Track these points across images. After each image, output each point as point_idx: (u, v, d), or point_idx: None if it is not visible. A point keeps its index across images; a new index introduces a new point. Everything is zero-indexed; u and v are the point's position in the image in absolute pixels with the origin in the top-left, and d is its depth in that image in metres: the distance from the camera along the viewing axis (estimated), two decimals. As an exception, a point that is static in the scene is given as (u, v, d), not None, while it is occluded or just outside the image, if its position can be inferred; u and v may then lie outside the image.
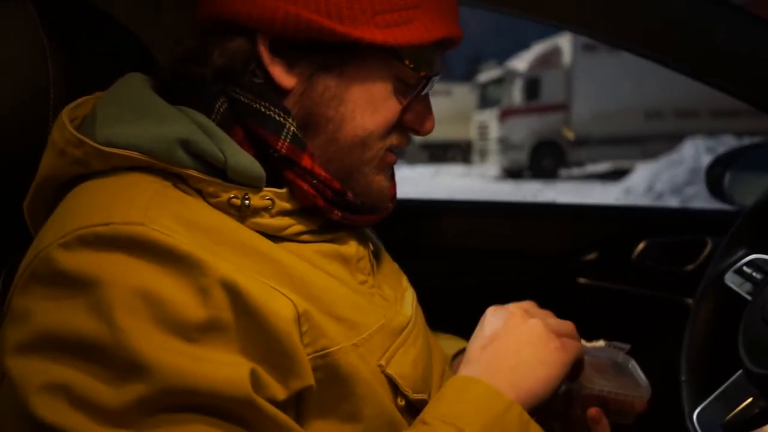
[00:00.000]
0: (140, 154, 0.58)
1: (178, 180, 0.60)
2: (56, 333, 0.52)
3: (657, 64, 1.13)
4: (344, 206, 0.67)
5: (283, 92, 0.64)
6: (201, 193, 0.60)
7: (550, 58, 14.04)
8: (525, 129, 13.71)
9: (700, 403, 0.78)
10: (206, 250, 0.55)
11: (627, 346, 0.79)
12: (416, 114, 0.70)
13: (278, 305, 0.57)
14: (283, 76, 0.64)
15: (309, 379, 0.58)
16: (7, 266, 0.67)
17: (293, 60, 0.64)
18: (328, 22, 0.61)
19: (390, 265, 0.81)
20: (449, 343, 0.91)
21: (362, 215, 0.69)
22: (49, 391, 0.50)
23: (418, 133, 0.71)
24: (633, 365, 0.80)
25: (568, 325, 0.72)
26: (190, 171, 0.59)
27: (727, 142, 7.81)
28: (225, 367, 0.53)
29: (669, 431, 0.84)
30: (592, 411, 0.75)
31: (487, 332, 0.70)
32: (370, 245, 0.76)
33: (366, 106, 0.66)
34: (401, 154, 0.75)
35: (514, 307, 0.72)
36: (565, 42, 13.44)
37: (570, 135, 13.18)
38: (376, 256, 0.78)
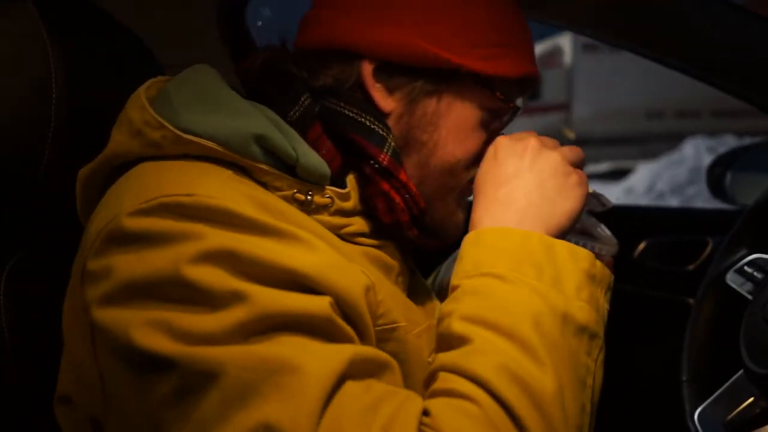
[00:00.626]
0: (217, 145, 0.59)
1: (244, 172, 0.61)
2: (142, 281, 0.52)
3: (658, 63, 1.13)
4: (420, 227, 0.70)
5: (381, 112, 0.68)
6: (266, 186, 0.61)
7: (550, 58, 14.04)
8: (525, 129, 13.68)
9: (701, 403, 0.78)
10: (281, 222, 0.56)
11: (611, 203, 0.77)
12: None
13: (353, 270, 0.58)
14: (383, 100, 0.69)
15: (372, 344, 0.58)
16: (8, 266, 0.67)
17: (394, 84, 0.69)
18: (433, 48, 0.66)
19: (422, 286, 0.82)
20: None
21: (431, 240, 0.72)
22: (147, 326, 0.51)
23: None
24: (602, 227, 0.79)
25: (579, 154, 0.70)
26: (262, 165, 0.60)
27: (728, 142, 7.80)
28: (308, 297, 0.53)
29: (670, 431, 0.84)
30: None
31: (504, 168, 0.66)
32: (410, 263, 0.77)
33: (457, 134, 0.70)
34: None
35: (527, 138, 0.68)
36: (565, 42, 13.43)
37: (571, 135, 13.18)
38: (413, 274, 0.79)
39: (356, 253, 0.65)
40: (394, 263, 0.71)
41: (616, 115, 12.72)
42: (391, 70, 0.68)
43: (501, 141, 0.69)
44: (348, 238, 0.66)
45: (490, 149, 0.70)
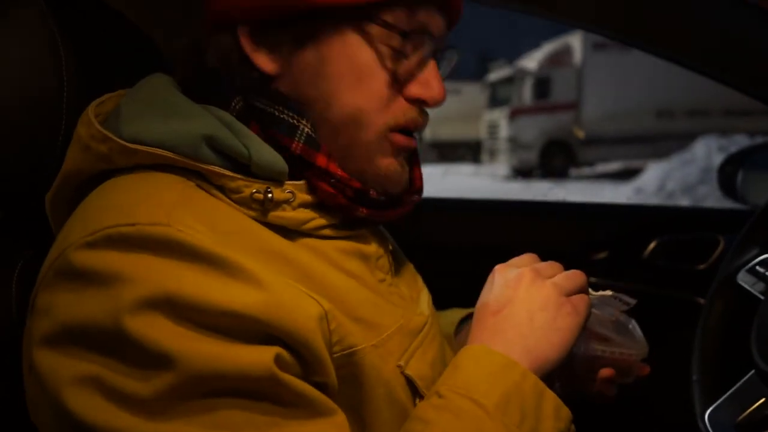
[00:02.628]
0: (165, 151, 0.58)
1: (200, 178, 0.60)
2: (80, 326, 0.52)
3: (669, 62, 1.12)
4: (369, 203, 0.66)
5: (271, 79, 0.64)
6: (223, 190, 0.60)
7: (560, 57, 13.98)
8: (535, 128, 13.66)
9: (712, 403, 0.77)
10: (231, 249, 0.55)
11: (633, 301, 0.77)
12: (420, 83, 0.66)
13: (304, 303, 0.57)
14: (266, 63, 0.63)
15: (331, 377, 0.58)
16: (19, 265, 0.67)
17: (272, 43, 0.63)
18: None
19: (406, 265, 0.81)
20: (454, 314, 0.92)
21: (387, 210, 0.69)
22: (80, 384, 0.51)
23: (426, 104, 0.66)
24: (633, 325, 0.79)
25: (577, 280, 0.69)
26: (214, 167, 0.59)
27: (740, 141, 7.75)
28: (250, 352, 0.53)
29: (681, 431, 0.84)
30: (605, 372, 0.76)
31: (498, 297, 0.66)
32: (389, 244, 0.76)
33: (349, 79, 0.63)
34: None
35: (523, 268, 0.68)
36: (575, 41, 13.38)
37: (580, 134, 13.12)
38: (394, 255, 0.78)
39: (329, 249, 0.64)
40: (370, 249, 0.69)
41: (626, 114, 12.66)
42: (264, 29, 0.63)
43: (498, 269, 0.69)
44: (315, 233, 0.64)
45: (490, 276, 0.69)
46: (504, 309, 0.66)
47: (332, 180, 0.64)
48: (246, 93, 0.64)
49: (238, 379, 0.52)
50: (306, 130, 0.63)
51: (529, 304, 0.65)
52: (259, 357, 0.53)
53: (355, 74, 0.63)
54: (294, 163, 0.64)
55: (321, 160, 0.63)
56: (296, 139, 0.63)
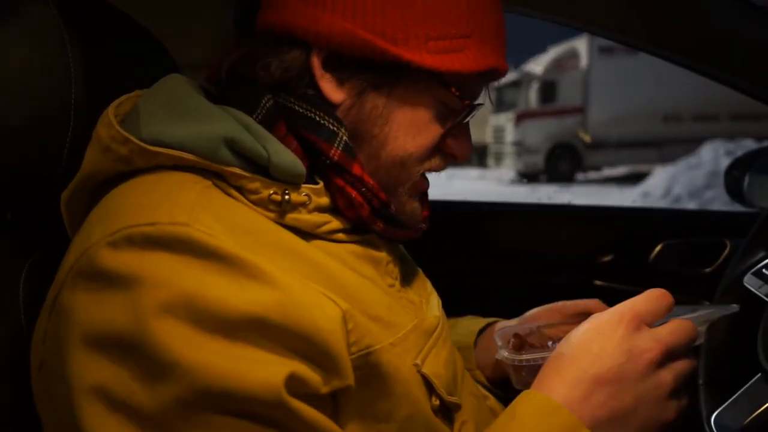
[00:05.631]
0: (185, 153, 0.59)
1: (219, 178, 0.61)
2: (98, 331, 0.53)
3: (676, 65, 1.12)
4: (387, 219, 0.69)
5: (332, 105, 0.66)
6: (241, 191, 0.61)
7: (566, 61, 13.97)
8: (541, 132, 13.65)
9: (718, 407, 0.77)
10: (249, 250, 0.55)
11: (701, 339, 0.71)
12: (456, 140, 0.71)
13: (323, 305, 0.58)
14: (332, 91, 0.66)
15: (349, 379, 0.58)
16: (28, 264, 0.67)
17: (344, 76, 0.66)
18: (381, 43, 0.64)
19: (415, 270, 0.82)
20: (471, 323, 0.92)
21: (400, 230, 0.71)
22: (91, 393, 0.52)
23: (455, 158, 0.72)
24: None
25: (689, 368, 0.64)
26: (233, 169, 0.60)
27: (747, 146, 7.72)
28: (261, 368, 0.53)
29: (686, 435, 0.84)
30: None
31: (606, 364, 0.60)
32: (398, 251, 0.77)
33: (410, 128, 0.68)
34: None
35: (653, 343, 0.61)
36: (581, 45, 13.37)
37: (586, 138, 13.11)
38: (403, 260, 0.78)
39: (341, 252, 0.65)
40: (381, 255, 0.70)
41: (632, 118, 12.63)
42: (340, 61, 0.65)
43: (609, 319, 0.62)
44: (329, 237, 0.65)
45: (606, 322, 0.62)
46: (608, 385, 0.60)
47: (363, 189, 0.66)
48: (277, 92, 0.65)
49: (244, 400, 0.52)
50: (344, 138, 0.65)
51: (642, 394, 0.60)
52: (270, 376, 0.53)
53: (416, 125, 0.68)
54: (320, 168, 0.65)
55: (357, 169, 0.66)
56: (335, 145, 0.65)
